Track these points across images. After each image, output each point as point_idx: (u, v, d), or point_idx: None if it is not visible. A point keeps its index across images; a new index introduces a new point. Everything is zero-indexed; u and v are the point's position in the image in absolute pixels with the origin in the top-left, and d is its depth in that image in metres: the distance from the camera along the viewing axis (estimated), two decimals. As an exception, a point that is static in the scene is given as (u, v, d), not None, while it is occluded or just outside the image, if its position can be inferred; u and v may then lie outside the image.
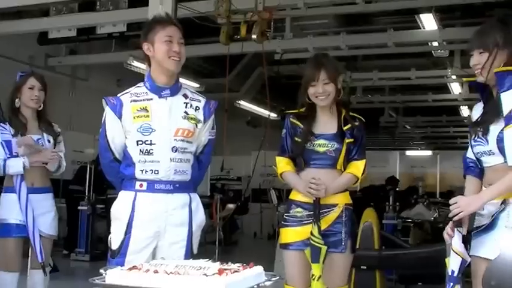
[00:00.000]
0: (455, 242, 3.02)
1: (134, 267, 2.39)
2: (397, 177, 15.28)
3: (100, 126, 3.54)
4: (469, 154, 3.25)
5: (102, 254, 9.13)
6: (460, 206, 2.99)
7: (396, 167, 18.14)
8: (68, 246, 10.75)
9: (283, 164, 3.88)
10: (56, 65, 12.72)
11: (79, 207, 10.52)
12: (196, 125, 3.52)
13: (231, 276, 2.26)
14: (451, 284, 3.03)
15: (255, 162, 9.19)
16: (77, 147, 11.95)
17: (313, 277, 3.67)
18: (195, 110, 3.55)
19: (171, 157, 3.42)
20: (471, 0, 9.10)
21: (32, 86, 4.59)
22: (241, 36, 7.87)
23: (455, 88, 14.79)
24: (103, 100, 3.51)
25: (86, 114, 11.44)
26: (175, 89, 3.53)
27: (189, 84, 12.53)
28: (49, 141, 4.64)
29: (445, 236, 3.11)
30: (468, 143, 3.24)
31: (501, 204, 2.97)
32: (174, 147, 3.43)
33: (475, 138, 3.11)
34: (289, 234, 3.80)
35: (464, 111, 17.10)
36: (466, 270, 3.06)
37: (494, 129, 3.00)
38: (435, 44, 11.11)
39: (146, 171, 3.41)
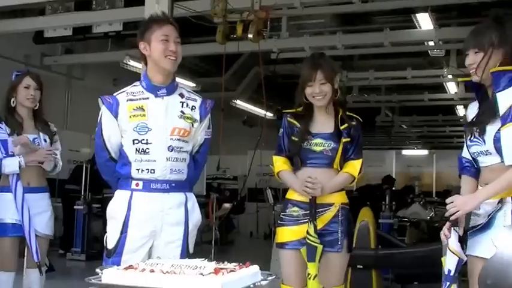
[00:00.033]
0: (452, 241, 3.02)
1: (130, 267, 2.39)
2: (394, 177, 15.29)
3: (96, 126, 3.54)
4: (465, 154, 3.25)
5: (98, 253, 9.10)
6: (456, 205, 2.99)
7: (392, 167, 18.14)
8: (64, 246, 10.75)
9: (280, 163, 3.88)
10: (52, 64, 12.69)
11: (75, 207, 10.53)
12: (193, 125, 3.52)
13: (227, 276, 2.26)
14: (448, 283, 3.04)
15: (251, 162, 9.16)
16: (73, 146, 11.94)
17: (309, 276, 3.67)
18: (191, 109, 3.55)
19: (167, 156, 3.41)
20: (467, 0, 9.11)
21: (28, 85, 4.59)
22: (238, 35, 7.85)
23: (451, 87, 14.80)
24: (99, 99, 3.50)
25: (82, 113, 11.44)
26: (171, 88, 3.53)
27: (185, 83, 12.55)
28: (45, 140, 4.63)
29: (442, 236, 3.12)
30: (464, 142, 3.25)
31: (498, 204, 2.98)
32: (170, 146, 3.43)
33: (471, 138, 3.11)
34: (286, 233, 3.81)
35: (461, 110, 17.09)
36: (462, 269, 3.06)
37: (491, 129, 3.00)
38: (431, 43, 11.11)
39: (142, 171, 3.40)
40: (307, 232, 3.64)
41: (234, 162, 16.16)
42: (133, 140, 3.41)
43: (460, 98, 14.96)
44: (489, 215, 3.00)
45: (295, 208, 3.79)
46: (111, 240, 3.44)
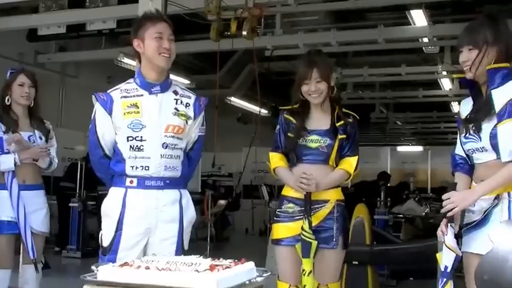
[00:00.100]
0: (448, 237, 3.02)
1: (126, 264, 2.40)
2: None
3: (90, 123, 3.54)
4: (458, 151, 3.25)
5: (93, 250, 9.09)
6: (454, 201, 2.99)
7: (387, 163, 18.14)
8: (59, 243, 10.73)
9: (276, 160, 3.89)
10: (46, 62, 12.67)
11: (70, 204, 10.50)
12: (187, 122, 3.52)
13: (222, 272, 2.26)
14: (444, 279, 3.04)
15: (246, 159, 9.18)
16: (67, 144, 11.90)
17: (304, 272, 3.68)
18: (185, 106, 3.55)
19: (161, 153, 3.41)
20: (461, -4, 9.15)
21: (22, 83, 4.59)
22: (232, 32, 7.85)
23: (446, 84, 14.83)
24: (93, 96, 3.50)
25: (76, 111, 11.42)
26: (165, 85, 3.53)
27: (179, 80, 12.53)
28: (40, 138, 4.64)
29: (439, 233, 3.11)
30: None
31: (494, 200, 2.98)
32: (164, 143, 3.43)
33: (466, 135, 3.11)
34: (281, 229, 3.81)
35: (455, 107, 17.11)
36: (457, 265, 3.07)
37: (487, 126, 3.00)
38: (425, 40, 11.14)
39: (136, 168, 3.40)
40: (302, 228, 3.65)
41: (229, 159, 16.16)
42: (128, 137, 3.41)
43: (454, 94, 14.96)
44: (485, 211, 3.00)
45: (291, 204, 3.80)
46: (106, 237, 3.43)
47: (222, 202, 13.77)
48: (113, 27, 9.60)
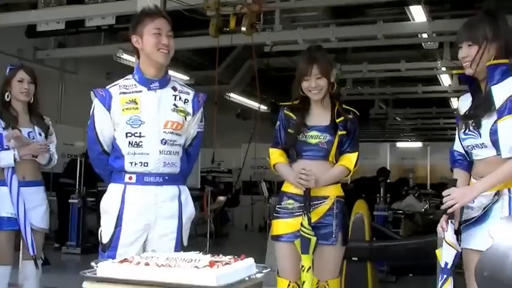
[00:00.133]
0: (448, 234, 3.02)
1: (125, 260, 2.40)
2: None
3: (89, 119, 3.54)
4: (457, 147, 3.25)
5: (93, 247, 9.11)
6: (454, 197, 2.98)
7: (387, 159, 18.12)
8: (59, 240, 10.74)
9: (276, 156, 3.89)
10: (45, 58, 12.64)
11: (70, 201, 10.53)
12: (185, 118, 3.52)
13: (222, 269, 2.26)
14: (445, 276, 3.03)
15: (245, 155, 9.17)
16: (66, 140, 11.91)
17: (303, 268, 3.68)
18: (184, 102, 3.54)
19: (160, 149, 3.41)
20: (460, -8, 9.14)
21: (21, 79, 4.58)
22: (231, 28, 7.84)
23: (445, 80, 14.81)
24: (91, 92, 3.50)
25: (75, 107, 11.39)
26: (164, 81, 3.52)
27: (178, 76, 12.53)
28: (40, 134, 4.64)
29: (439, 229, 3.11)
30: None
31: (494, 196, 2.98)
32: (163, 139, 3.43)
33: (466, 132, 3.10)
34: (281, 226, 3.81)
35: (454, 102, 17.09)
36: (457, 261, 3.07)
37: (487, 122, 2.99)
38: (425, 36, 11.11)
39: (135, 164, 3.40)
40: (301, 224, 3.64)
41: (228, 155, 16.15)
42: (126, 133, 3.41)
43: (454, 90, 14.96)
44: (485, 208, 3.00)
45: (291, 201, 3.79)
46: (105, 234, 3.43)
47: (222, 198, 13.78)
48: (112, 23, 9.58)
